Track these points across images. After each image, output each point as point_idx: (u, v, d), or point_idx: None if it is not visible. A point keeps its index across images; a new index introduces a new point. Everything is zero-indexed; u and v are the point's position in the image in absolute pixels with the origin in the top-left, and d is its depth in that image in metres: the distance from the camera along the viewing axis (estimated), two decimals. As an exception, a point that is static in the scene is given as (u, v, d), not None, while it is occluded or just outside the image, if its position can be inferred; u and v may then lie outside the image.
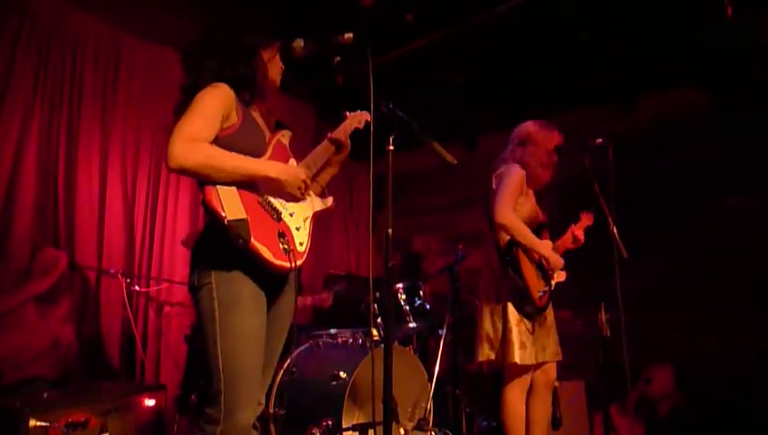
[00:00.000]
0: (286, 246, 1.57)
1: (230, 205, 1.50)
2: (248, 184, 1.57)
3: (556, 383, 2.67)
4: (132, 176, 3.50)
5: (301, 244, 1.66)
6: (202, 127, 1.53)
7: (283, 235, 1.59)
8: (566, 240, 2.69)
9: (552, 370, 2.60)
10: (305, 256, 1.67)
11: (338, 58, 1.76)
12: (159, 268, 3.52)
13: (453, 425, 3.13)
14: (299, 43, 1.74)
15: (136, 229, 3.47)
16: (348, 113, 1.92)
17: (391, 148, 1.67)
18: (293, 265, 1.57)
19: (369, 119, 1.87)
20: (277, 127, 1.85)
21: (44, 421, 2.08)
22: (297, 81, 4.36)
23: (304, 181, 1.67)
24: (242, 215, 1.50)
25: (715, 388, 3.38)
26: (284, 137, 1.82)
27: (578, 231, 2.70)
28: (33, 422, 2.05)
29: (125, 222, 3.43)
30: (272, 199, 1.64)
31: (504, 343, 2.45)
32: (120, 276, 3.15)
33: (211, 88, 1.60)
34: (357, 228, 5.27)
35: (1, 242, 2.86)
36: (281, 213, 1.65)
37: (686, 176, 3.83)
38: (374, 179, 1.64)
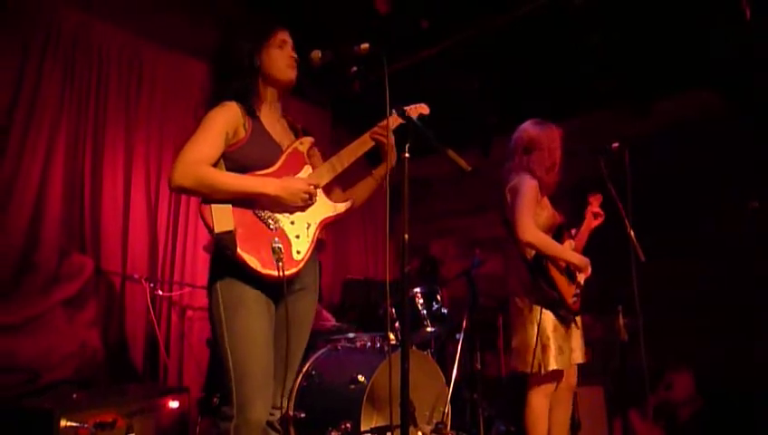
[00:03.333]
0: (279, 256, 1.60)
1: (220, 219, 1.59)
2: (246, 201, 1.64)
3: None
4: (156, 183, 3.58)
5: (298, 252, 1.68)
6: (202, 148, 1.63)
7: (279, 243, 1.62)
8: (588, 221, 2.69)
9: (573, 374, 2.59)
10: (303, 263, 1.68)
11: (354, 68, 1.80)
12: (182, 273, 3.59)
13: (471, 429, 3.14)
14: (316, 53, 1.78)
15: (159, 235, 3.55)
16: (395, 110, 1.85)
17: (407, 155, 1.69)
18: (282, 274, 1.60)
19: (425, 111, 1.90)
20: (298, 134, 1.88)
21: (74, 422, 2.16)
22: (314, 88, 4.44)
23: (307, 192, 1.69)
24: (229, 227, 1.59)
25: (736, 394, 3.33)
26: (303, 144, 1.83)
27: (594, 209, 2.69)
28: (63, 422, 2.13)
29: (149, 228, 3.51)
30: (269, 211, 1.67)
31: (543, 351, 2.42)
32: (143, 281, 3.23)
33: (217, 108, 1.69)
34: (375, 233, 5.31)
35: (30, 248, 2.94)
36: (279, 222, 1.68)
37: (702, 179, 3.79)
38: (391, 184, 1.67)
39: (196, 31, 3.64)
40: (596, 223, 2.70)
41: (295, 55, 1.80)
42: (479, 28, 3.73)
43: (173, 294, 3.52)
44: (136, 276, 3.26)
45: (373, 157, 1.94)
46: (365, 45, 1.74)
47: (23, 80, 3.00)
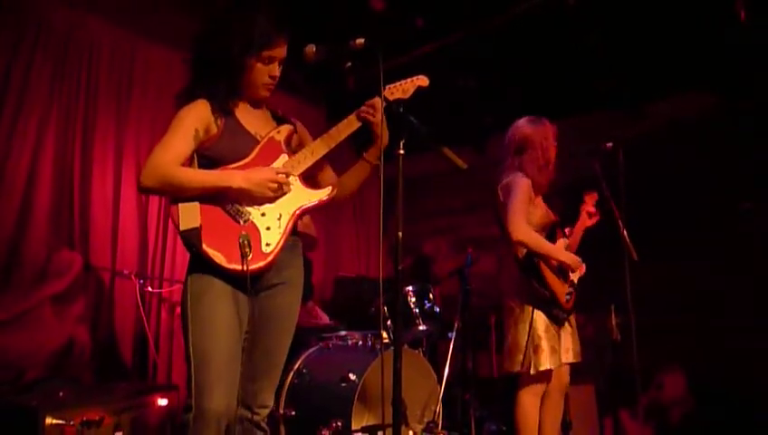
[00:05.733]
0: (244, 250, 1.58)
1: (186, 216, 1.58)
2: (215, 196, 1.62)
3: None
4: (146, 178, 3.54)
5: (267, 245, 1.63)
6: (170, 149, 1.63)
7: (247, 237, 1.59)
8: (583, 220, 2.68)
9: (565, 374, 2.59)
10: (273, 256, 1.63)
11: (349, 63, 1.77)
12: (172, 270, 3.56)
13: (462, 429, 3.13)
14: (311, 48, 1.74)
15: (149, 231, 3.52)
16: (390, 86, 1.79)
17: (401, 152, 1.67)
18: (245, 268, 1.57)
19: (424, 84, 1.85)
20: (280, 122, 1.83)
21: (60, 420, 2.12)
22: (308, 84, 4.41)
23: (275, 181, 1.64)
24: (195, 224, 1.58)
25: (728, 395, 3.35)
26: (280, 133, 1.78)
27: (589, 208, 2.69)
28: (49, 420, 2.09)
29: (139, 224, 3.47)
30: (239, 205, 1.64)
31: (534, 351, 2.42)
32: (133, 277, 3.19)
33: (186, 106, 1.68)
34: (366, 231, 5.29)
35: (18, 244, 2.91)
36: (249, 215, 1.64)
37: (698, 179, 3.80)
38: (384, 182, 1.65)
39: (191, 27, 3.59)
40: (590, 222, 2.70)
41: (277, 74, 1.74)
42: (477, 26, 3.72)
43: (163, 290, 3.49)
44: (125, 272, 3.22)
45: (360, 145, 1.89)
46: (360, 40, 1.71)
47: (10, 74, 2.95)
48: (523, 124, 2.62)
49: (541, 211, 2.59)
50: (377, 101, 1.77)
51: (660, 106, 4.08)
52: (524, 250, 2.48)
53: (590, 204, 2.70)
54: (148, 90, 3.61)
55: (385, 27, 3.70)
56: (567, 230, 2.68)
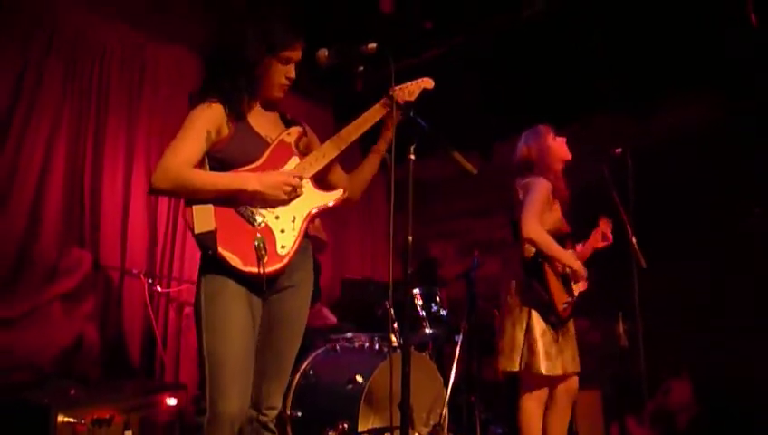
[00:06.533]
0: (261, 253, 1.58)
1: (201, 219, 1.58)
2: (228, 198, 1.62)
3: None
4: (155, 178, 3.56)
5: (282, 247, 1.64)
6: (182, 150, 1.62)
7: (262, 240, 1.60)
8: (595, 240, 2.69)
9: (575, 381, 2.58)
10: (289, 258, 1.63)
11: (361, 68, 1.78)
12: (181, 269, 3.58)
13: (467, 432, 3.14)
14: (323, 52, 1.76)
15: (158, 231, 3.54)
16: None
17: (412, 157, 1.68)
18: (262, 270, 1.58)
19: (429, 86, 1.88)
20: (289, 125, 1.84)
21: (72, 418, 2.14)
22: (317, 86, 4.43)
23: (290, 184, 1.64)
24: (210, 227, 1.57)
25: (735, 401, 3.33)
26: (290, 135, 1.79)
27: (605, 230, 2.70)
28: (61, 418, 2.11)
29: (148, 224, 3.50)
30: (252, 207, 1.64)
31: (530, 353, 2.43)
32: (142, 277, 3.21)
33: (199, 107, 1.68)
34: (374, 234, 5.30)
35: (29, 242, 2.94)
36: (264, 217, 1.64)
37: (705, 186, 3.78)
38: (393, 185, 1.66)
39: (202, 27, 3.62)
40: (601, 245, 2.70)
41: (293, 75, 1.75)
42: (483, 30, 3.72)
43: (171, 290, 3.51)
44: (134, 272, 3.23)
45: (368, 147, 1.91)
46: (372, 45, 1.73)
47: (24, 76, 2.99)
48: (520, 146, 2.66)
49: (555, 217, 2.58)
50: (395, 95, 1.77)
51: (667, 110, 4.06)
52: (533, 250, 2.49)
53: (605, 229, 2.71)
54: (159, 89, 3.63)
55: (393, 30, 3.71)
56: (578, 247, 2.68)
